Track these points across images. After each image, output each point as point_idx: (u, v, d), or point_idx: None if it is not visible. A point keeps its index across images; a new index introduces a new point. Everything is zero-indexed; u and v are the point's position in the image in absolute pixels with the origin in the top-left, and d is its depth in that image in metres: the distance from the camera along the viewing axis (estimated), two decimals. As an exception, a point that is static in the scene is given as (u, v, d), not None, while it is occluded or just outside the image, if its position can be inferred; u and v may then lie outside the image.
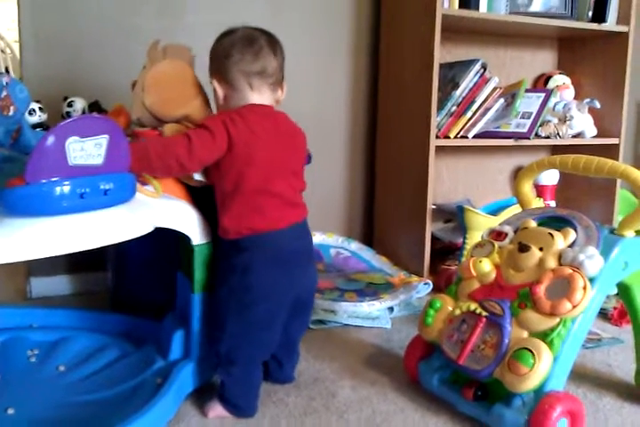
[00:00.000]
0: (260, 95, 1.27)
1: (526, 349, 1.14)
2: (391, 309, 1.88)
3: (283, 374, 1.41)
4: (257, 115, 1.25)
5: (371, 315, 1.82)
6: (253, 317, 1.24)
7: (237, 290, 1.23)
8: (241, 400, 1.27)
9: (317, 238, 2.29)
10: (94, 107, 1.72)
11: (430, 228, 2.14)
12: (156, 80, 1.31)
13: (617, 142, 2.42)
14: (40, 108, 1.64)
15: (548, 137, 2.33)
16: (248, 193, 1.22)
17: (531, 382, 1.13)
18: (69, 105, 1.69)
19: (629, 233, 1.24)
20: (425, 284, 2.00)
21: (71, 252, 1.00)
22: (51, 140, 0.96)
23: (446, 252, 2.30)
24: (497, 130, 2.25)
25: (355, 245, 2.31)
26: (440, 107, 2.13)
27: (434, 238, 2.23)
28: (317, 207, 2.34)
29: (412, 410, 1.31)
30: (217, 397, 1.28)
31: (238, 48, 1.25)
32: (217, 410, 1.27)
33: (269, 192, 1.23)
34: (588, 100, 2.39)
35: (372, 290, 1.98)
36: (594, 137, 2.43)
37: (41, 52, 1.91)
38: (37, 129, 1.60)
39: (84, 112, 1.70)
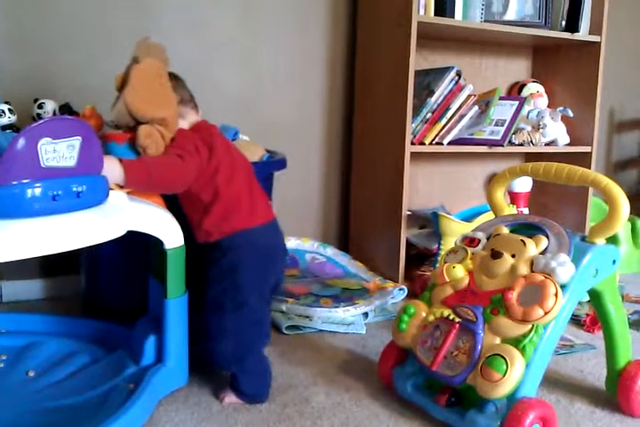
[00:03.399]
0: (188, 119, 1.38)
1: (499, 355, 1.14)
2: (366, 314, 1.87)
3: None
4: (206, 133, 1.35)
5: (345, 320, 1.82)
6: (248, 312, 1.31)
7: (228, 290, 1.30)
8: (256, 390, 1.34)
9: (293, 243, 2.28)
10: (65, 109, 1.70)
11: (405, 234, 2.15)
12: (140, 79, 1.28)
13: (589, 150, 2.45)
14: (10, 110, 1.62)
15: (521, 144, 2.35)
16: (223, 197, 1.31)
17: (503, 389, 1.13)
18: (40, 107, 1.67)
19: (600, 241, 1.26)
20: (400, 289, 2.01)
21: (43, 255, 0.99)
22: (22, 141, 0.95)
23: (421, 258, 2.31)
24: (471, 137, 2.27)
25: (330, 251, 2.31)
26: (415, 113, 2.15)
27: (409, 244, 2.24)
28: (293, 212, 2.36)
29: (385, 416, 1.31)
30: (230, 387, 1.34)
31: None
32: (231, 398, 1.34)
33: (238, 191, 1.33)
34: (561, 108, 2.42)
35: (347, 296, 1.98)
36: (566, 145, 2.46)
37: (11, 53, 1.89)
38: (7, 131, 1.58)
39: (54, 114, 1.68)
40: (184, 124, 1.37)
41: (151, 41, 1.34)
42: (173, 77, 1.38)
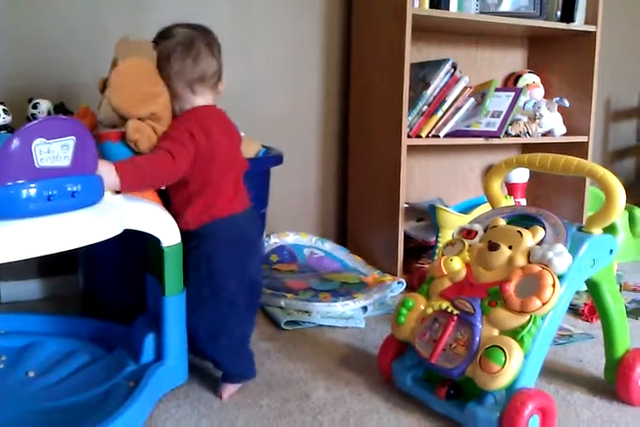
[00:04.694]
0: (202, 97, 1.35)
1: (497, 347, 1.15)
2: (365, 308, 1.88)
3: None
4: (207, 118, 1.33)
5: (344, 315, 1.82)
6: (225, 295, 1.32)
7: (205, 278, 1.31)
8: (239, 367, 1.36)
9: (291, 238, 2.29)
10: (59, 108, 1.69)
11: (403, 227, 2.15)
12: (122, 79, 1.29)
13: (586, 140, 2.45)
14: (4, 110, 1.62)
15: (518, 136, 2.35)
16: (210, 187, 1.32)
17: (502, 380, 1.14)
18: (34, 107, 1.67)
19: (597, 231, 1.26)
20: (398, 283, 2.01)
21: (39, 255, 0.98)
22: (16, 142, 0.95)
23: (419, 250, 2.31)
24: (467, 129, 2.27)
25: (328, 245, 2.31)
26: (411, 106, 2.14)
27: (407, 237, 2.23)
28: (291, 207, 2.36)
29: (386, 409, 1.31)
30: (221, 379, 1.37)
31: (176, 56, 1.31)
32: (229, 389, 1.36)
33: (225, 183, 1.34)
34: (557, 98, 2.42)
35: (345, 290, 1.98)
36: (563, 135, 2.46)
37: (5, 53, 1.88)
38: (2, 131, 1.57)
39: (49, 114, 1.68)
40: (201, 101, 1.34)
41: (132, 40, 1.34)
42: (206, 44, 1.34)
